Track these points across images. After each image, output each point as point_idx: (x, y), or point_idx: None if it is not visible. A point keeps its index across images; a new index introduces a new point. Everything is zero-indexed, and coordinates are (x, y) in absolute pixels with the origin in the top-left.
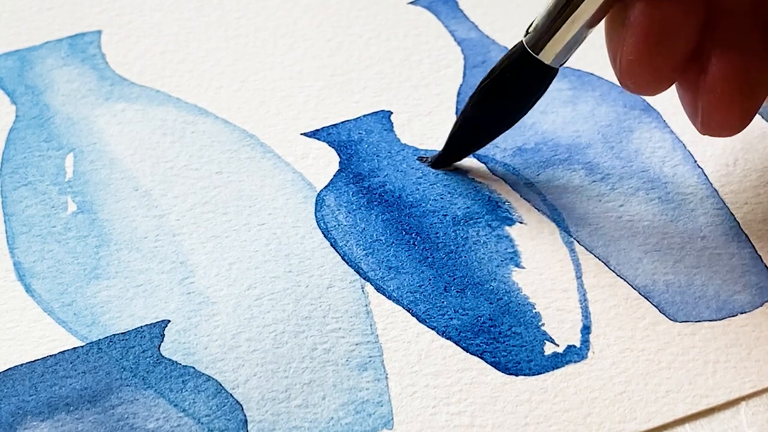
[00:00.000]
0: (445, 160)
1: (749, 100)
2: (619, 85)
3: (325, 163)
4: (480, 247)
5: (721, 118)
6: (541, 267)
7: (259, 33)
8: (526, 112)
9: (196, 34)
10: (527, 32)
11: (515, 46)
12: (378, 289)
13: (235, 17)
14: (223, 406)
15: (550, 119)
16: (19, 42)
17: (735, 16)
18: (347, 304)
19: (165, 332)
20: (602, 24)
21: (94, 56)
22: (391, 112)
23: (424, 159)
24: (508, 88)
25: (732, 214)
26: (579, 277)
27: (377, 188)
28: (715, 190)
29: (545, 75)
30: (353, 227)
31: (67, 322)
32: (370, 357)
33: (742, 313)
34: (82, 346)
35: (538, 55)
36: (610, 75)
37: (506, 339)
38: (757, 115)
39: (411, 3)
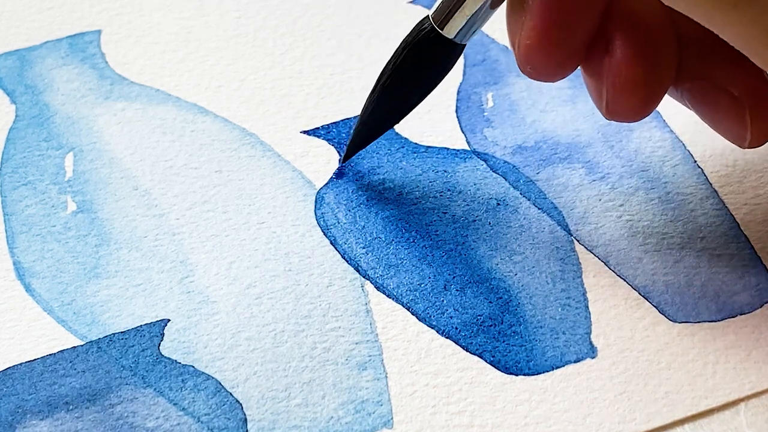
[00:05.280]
0: (355, 148)
1: (655, 84)
2: None
3: (324, 161)
4: (480, 245)
5: (627, 101)
6: (541, 266)
7: (259, 32)
8: (432, 89)
9: (195, 33)
10: (434, 7)
11: (422, 19)
12: (378, 287)
13: (235, 17)
14: (223, 405)
15: (550, 118)
16: (18, 42)
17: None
18: (347, 303)
19: (164, 331)
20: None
21: (94, 56)
22: None
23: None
24: (414, 62)
25: (731, 214)
26: (579, 277)
27: (377, 186)
28: (715, 190)
29: (448, 49)
30: (353, 225)
31: (66, 321)
32: (370, 356)
33: (741, 314)
34: (82, 345)
35: (442, 29)
36: None
37: (506, 338)
38: None
39: (411, 2)
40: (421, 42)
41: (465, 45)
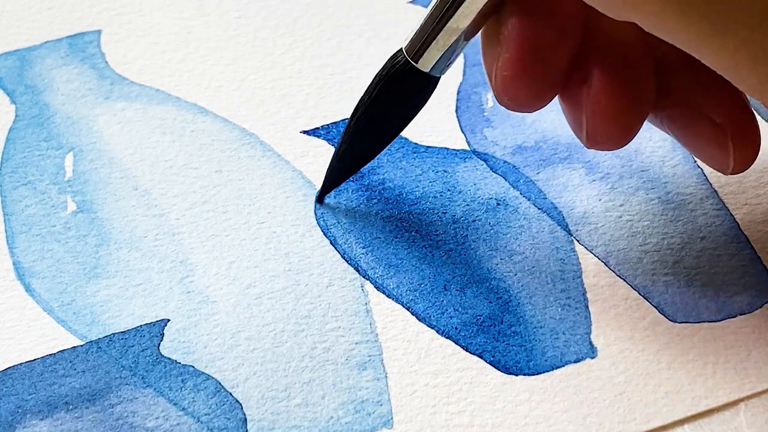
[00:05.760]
0: (331, 184)
1: (634, 112)
2: None
3: (324, 161)
4: (480, 245)
5: (606, 131)
6: (541, 266)
7: (259, 32)
8: (408, 122)
9: (195, 33)
10: (407, 39)
11: (395, 52)
12: (378, 287)
13: (235, 17)
14: (223, 405)
15: (550, 118)
16: (18, 42)
17: (615, 27)
18: (347, 303)
19: (164, 331)
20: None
21: (94, 55)
22: None
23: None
24: (388, 96)
25: (731, 214)
26: (579, 277)
27: (377, 186)
28: (715, 190)
29: (423, 82)
30: (353, 225)
31: (66, 321)
32: (370, 356)
33: (741, 314)
34: (82, 345)
35: (417, 62)
36: None
37: (506, 338)
38: (757, 116)
39: (411, 2)
40: (395, 75)
41: (440, 78)
